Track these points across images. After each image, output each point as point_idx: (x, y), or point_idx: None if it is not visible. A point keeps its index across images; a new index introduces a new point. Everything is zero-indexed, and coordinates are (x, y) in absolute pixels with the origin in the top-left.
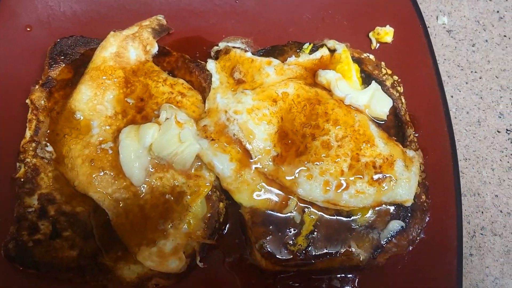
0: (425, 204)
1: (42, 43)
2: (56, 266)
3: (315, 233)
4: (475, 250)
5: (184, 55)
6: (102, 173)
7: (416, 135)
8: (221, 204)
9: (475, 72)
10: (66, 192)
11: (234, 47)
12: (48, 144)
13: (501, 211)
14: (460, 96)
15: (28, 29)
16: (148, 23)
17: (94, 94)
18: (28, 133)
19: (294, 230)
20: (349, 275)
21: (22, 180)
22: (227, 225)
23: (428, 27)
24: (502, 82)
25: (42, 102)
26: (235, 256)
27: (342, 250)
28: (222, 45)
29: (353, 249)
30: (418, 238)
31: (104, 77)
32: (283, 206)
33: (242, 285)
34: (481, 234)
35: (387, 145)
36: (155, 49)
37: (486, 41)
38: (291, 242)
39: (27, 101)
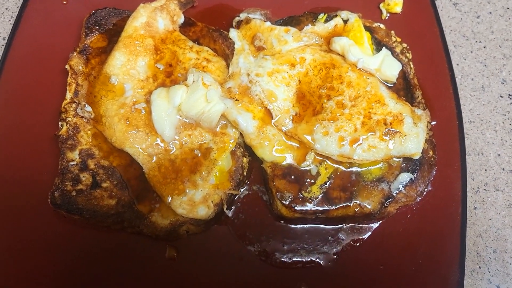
0: (432, 159)
1: (78, 14)
2: (97, 212)
3: (328, 183)
4: (479, 204)
5: (208, 25)
6: (136, 131)
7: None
8: (245, 159)
9: (480, 42)
10: (104, 148)
11: (254, 18)
12: (87, 104)
13: (503, 169)
14: (466, 64)
15: (64, 2)
16: None
17: (127, 60)
18: (68, 95)
19: (310, 181)
20: (363, 225)
21: (64, 137)
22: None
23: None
24: (505, 51)
25: (80, 67)
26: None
27: (353, 200)
28: (243, 15)
29: (363, 200)
30: (425, 190)
31: (136, 43)
32: (301, 160)
33: (263, 231)
34: (485, 189)
35: (397, 104)
36: (181, 19)
37: (490, 13)
38: (306, 190)
39: (67, 66)
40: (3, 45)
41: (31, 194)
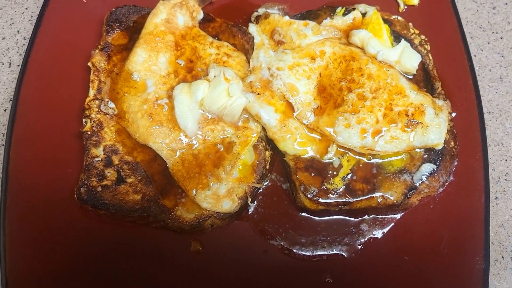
0: (453, 149)
1: (98, 12)
2: (123, 207)
3: (350, 175)
4: (500, 194)
5: (227, 21)
6: (159, 126)
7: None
8: (267, 153)
9: (496, 32)
10: (127, 144)
11: (272, 13)
12: (110, 101)
13: None
14: (483, 55)
15: (84, 0)
16: None
17: (149, 56)
18: (91, 92)
19: (333, 173)
20: (386, 216)
21: (88, 133)
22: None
23: None
24: None
25: (102, 64)
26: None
27: (376, 191)
28: (261, 10)
29: (386, 192)
30: (448, 180)
31: (157, 40)
32: (323, 152)
33: (285, 224)
34: (505, 179)
35: (418, 95)
36: (200, 15)
37: (506, 4)
38: (328, 182)
39: (89, 64)
40: (24, 44)
41: (57, 190)
